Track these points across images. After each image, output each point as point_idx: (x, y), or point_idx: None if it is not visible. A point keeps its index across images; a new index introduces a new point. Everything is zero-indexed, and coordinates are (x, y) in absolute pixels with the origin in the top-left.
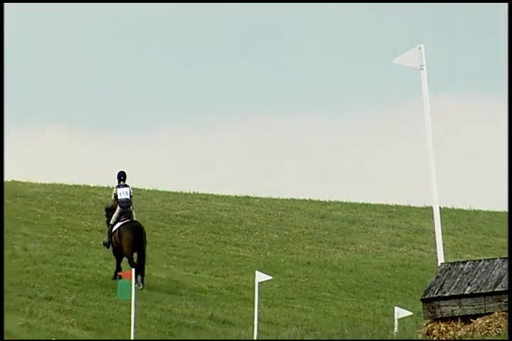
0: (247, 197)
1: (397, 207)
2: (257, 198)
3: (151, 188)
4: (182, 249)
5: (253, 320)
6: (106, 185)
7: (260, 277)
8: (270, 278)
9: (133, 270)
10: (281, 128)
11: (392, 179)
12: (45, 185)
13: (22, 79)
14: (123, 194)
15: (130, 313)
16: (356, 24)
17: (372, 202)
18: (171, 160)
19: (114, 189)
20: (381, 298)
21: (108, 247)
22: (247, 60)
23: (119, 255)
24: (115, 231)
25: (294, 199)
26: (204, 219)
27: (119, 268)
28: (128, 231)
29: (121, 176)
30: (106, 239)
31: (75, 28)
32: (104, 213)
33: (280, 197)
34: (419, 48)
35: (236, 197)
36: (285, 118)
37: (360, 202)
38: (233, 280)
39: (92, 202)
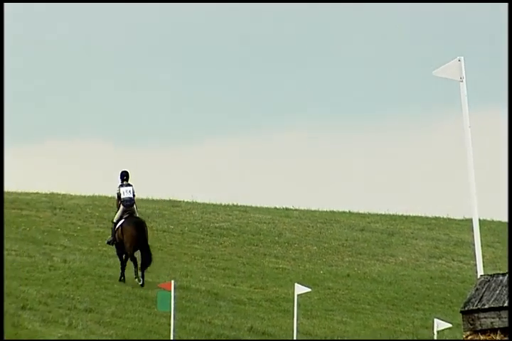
0: (287, 209)
1: (436, 219)
2: (296, 210)
3: (190, 200)
4: (221, 261)
5: (292, 331)
6: (145, 197)
7: (299, 289)
8: (309, 290)
9: (172, 281)
10: (320, 140)
11: (432, 191)
12: (84, 197)
13: (61, 92)
14: (126, 193)
15: (169, 325)
16: (393, 36)
17: (411, 214)
18: (210, 172)
19: (117, 188)
20: (420, 310)
21: (112, 244)
22: (294, 71)
23: (122, 253)
24: (118, 228)
25: (333, 212)
26: (243, 231)
27: (123, 267)
28: (129, 226)
29: (124, 176)
30: (110, 237)
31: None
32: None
33: (319, 209)
34: (459, 60)
35: (275, 209)
36: (324, 131)
37: (400, 214)
38: (272, 292)
39: None
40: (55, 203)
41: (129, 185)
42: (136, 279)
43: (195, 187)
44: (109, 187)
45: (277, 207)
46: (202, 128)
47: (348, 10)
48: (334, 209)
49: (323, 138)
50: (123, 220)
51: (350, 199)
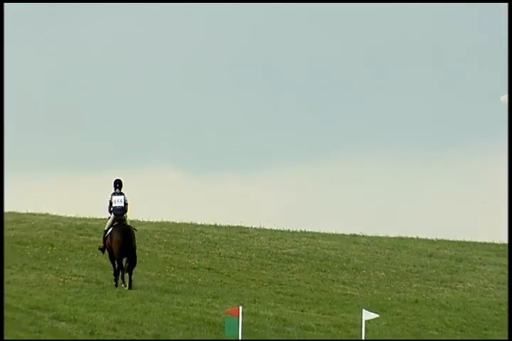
0: (355, 235)
1: (504, 245)
2: (364, 236)
3: (257, 227)
4: (289, 287)
5: None
6: (213, 223)
7: (367, 315)
8: (377, 316)
9: (240, 307)
10: (387, 167)
11: (500, 217)
12: (152, 223)
13: (126, 120)
14: (117, 202)
15: None
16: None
17: (479, 241)
18: (278, 198)
19: (110, 196)
20: (489, 336)
21: (103, 252)
22: (359, 100)
23: (113, 258)
24: (107, 235)
25: (401, 238)
26: (311, 257)
27: (116, 273)
28: (116, 233)
29: (117, 184)
30: (101, 244)
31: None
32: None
33: (387, 236)
34: None
35: (343, 235)
36: (391, 158)
37: (468, 240)
38: (340, 318)
39: (199, 240)
40: None
41: (121, 193)
42: (123, 284)
43: (263, 213)
44: (178, 214)
45: (345, 233)
46: (270, 155)
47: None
48: (402, 235)
49: (390, 165)
50: (112, 228)
51: (418, 225)
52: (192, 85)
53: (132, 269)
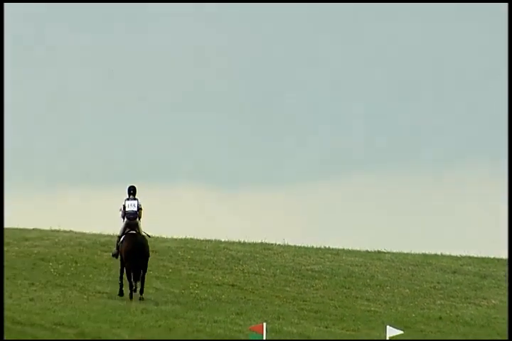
0: (379, 251)
1: None
2: (388, 253)
3: (281, 243)
4: (313, 304)
5: None
6: (237, 240)
7: (391, 332)
8: (401, 332)
9: (264, 324)
10: (409, 183)
11: None
12: (176, 239)
13: (151, 136)
14: (131, 206)
15: None
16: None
17: (503, 257)
18: (302, 215)
19: (124, 201)
20: None
21: (116, 257)
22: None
23: (123, 266)
24: (121, 242)
25: (425, 254)
26: (335, 273)
27: (122, 282)
28: (128, 243)
29: (131, 190)
30: (114, 250)
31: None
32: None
33: (411, 252)
34: None
35: (367, 251)
36: (415, 175)
37: (492, 256)
38: (364, 335)
39: (223, 257)
40: None
41: (135, 199)
42: (134, 292)
43: (287, 230)
44: (202, 230)
45: (369, 249)
46: (293, 172)
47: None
48: (426, 252)
49: (414, 183)
50: (125, 236)
51: (442, 241)
52: (216, 99)
53: (144, 277)
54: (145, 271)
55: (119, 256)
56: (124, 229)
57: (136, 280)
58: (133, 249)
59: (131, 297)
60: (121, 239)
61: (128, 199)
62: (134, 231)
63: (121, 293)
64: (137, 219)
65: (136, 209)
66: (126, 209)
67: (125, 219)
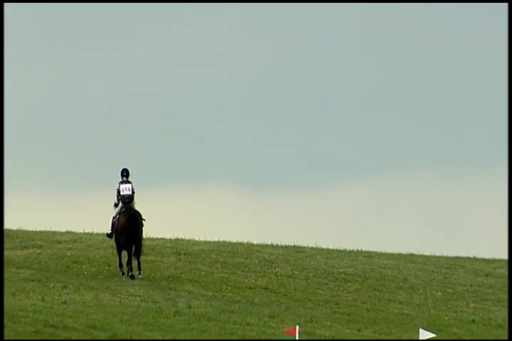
0: (411, 254)
1: None
2: (420, 256)
3: (314, 246)
4: (345, 307)
5: None
6: (269, 243)
7: (424, 335)
8: (434, 335)
9: (297, 327)
10: (442, 184)
11: None
12: (209, 242)
13: (185, 135)
14: (125, 190)
15: None
16: None
17: None
18: (334, 217)
19: (118, 185)
20: None
21: (111, 238)
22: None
23: (120, 246)
24: (115, 221)
25: (458, 257)
26: (368, 276)
27: (121, 263)
28: (123, 217)
29: (124, 172)
30: (109, 230)
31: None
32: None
33: (444, 255)
34: None
35: (400, 254)
36: (450, 177)
37: None
38: (397, 338)
39: (255, 260)
40: (179, 249)
41: (129, 182)
42: (129, 274)
43: (320, 232)
44: (235, 233)
45: (402, 252)
46: (326, 173)
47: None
48: (459, 255)
49: (447, 184)
50: (119, 214)
51: (475, 244)
52: (257, 101)
53: (139, 255)
54: (140, 246)
55: (114, 236)
56: (120, 210)
57: (131, 256)
58: (128, 221)
59: (130, 274)
60: (116, 218)
61: (122, 182)
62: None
63: (123, 273)
64: (132, 202)
65: (130, 192)
66: (121, 193)
67: (120, 203)
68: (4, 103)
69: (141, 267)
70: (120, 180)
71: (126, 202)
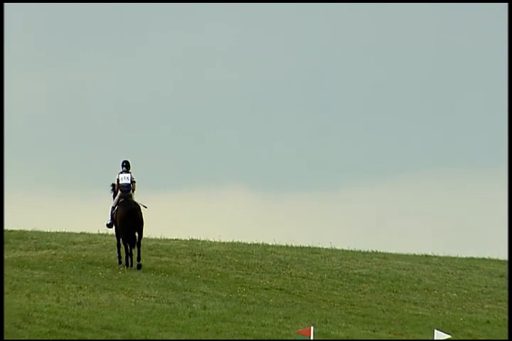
0: (426, 255)
1: None
2: (435, 257)
3: (329, 247)
4: (360, 308)
5: None
6: (284, 244)
7: (439, 336)
8: (449, 336)
9: (312, 328)
10: (456, 186)
11: None
12: (224, 243)
13: (195, 138)
14: (124, 179)
15: None
16: None
17: None
18: (349, 218)
19: (117, 174)
20: None
21: (110, 227)
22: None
23: (119, 236)
24: (114, 212)
25: (472, 258)
26: (382, 277)
27: (120, 252)
28: (122, 209)
29: (124, 163)
30: (109, 220)
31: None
32: (111, 188)
33: (459, 256)
34: None
35: (414, 255)
36: (464, 178)
37: None
38: (412, 339)
39: (270, 261)
40: (194, 250)
41: (128, 172)
42: (128, 265)
43: (334, 233)
44: (249, 234)
45: (416, 253)
46: (341, 174)
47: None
48: (474, 256)
49: (462, 185)
50: (118, 204)
51: (490, 245)
52: (268, 104)
53: (139, 244)
54: (140, 236)
55: (115, 226)
56: (118, 200)
57: (132, 247)
58: (127, 213)
59: (127, 264)
60: (115, 208)
61: (122, 172)
62: (127, 200)
63: (120, 262)
64: (131, 192)
65: (129, 181)
66: (120, 182)
67: (119, 192)
68: (4, 102)
69: (157, 268)
70: (120, 170)
71: (124, 190)
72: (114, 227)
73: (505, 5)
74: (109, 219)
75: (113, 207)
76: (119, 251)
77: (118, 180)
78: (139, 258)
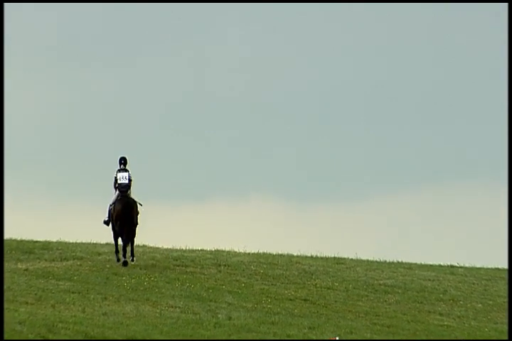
0: (451, 266)
1: None
2: (461, 267)
3: (354, 257)
4: (385, 319)
5: None
6: (309, 254)
7: None
8: None
9: (337, 338)
10: (480, 196)
11: None
12: (249, 254)
13: (220, 149)
14: (122, 179)
15: None
16: None
17: None
18: (374, 229)
19: (115, 173)
20: None
21: (108, 225)
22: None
23: (116, 233)
24: (111, 209)
25: (498, 269)
26: (408, 288)
27: (117, 249)
28: (118, 204)
29: (122, 160)
30: (106, 217)
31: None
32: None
33: (484, 266)
34: None
35: (440, 266)
36: (485, 188)
37: None
38: None
39: (295, 271)
40: (219, 260)
41: (126, 170)
42: (122, 260)
43: (359, 244)
44: (274, 244)
45: (442, 264)
46: (366, 185)
47: None
48: (499, 267)
49: (486, 195)
50: (116, 202)
51: None
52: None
53: (133, 240)
54: (134, 231)
55: (111, 224)
56: (116, 198)
57: (126, 242)
58: (122, 208)
59: (123, 260)
60: (113, 206)
61: (119, 170)
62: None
63: (118, 260)
64: (129, 191)
65: (127, 181)
66: (119, 181)
67: (117, 191)
68: (4, 102)
69: (182, 278)
70: (118, 168)
71: (122, 190)
72: (110, 225)
73: (505, 5)
74: (107, 216)
75: (110, 205)
76: (116, 249)
77: (116, 179)
78: (132, 254)
